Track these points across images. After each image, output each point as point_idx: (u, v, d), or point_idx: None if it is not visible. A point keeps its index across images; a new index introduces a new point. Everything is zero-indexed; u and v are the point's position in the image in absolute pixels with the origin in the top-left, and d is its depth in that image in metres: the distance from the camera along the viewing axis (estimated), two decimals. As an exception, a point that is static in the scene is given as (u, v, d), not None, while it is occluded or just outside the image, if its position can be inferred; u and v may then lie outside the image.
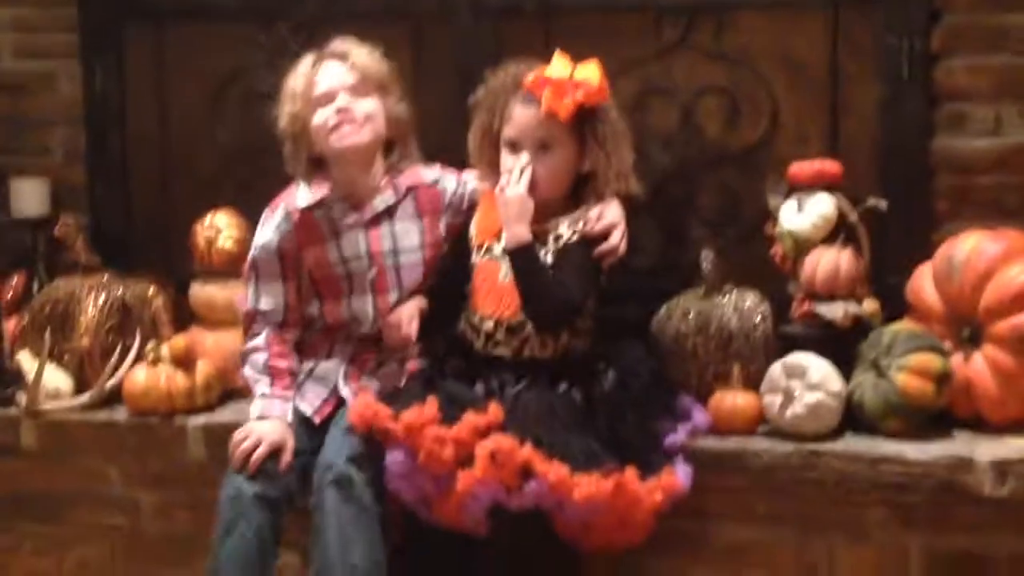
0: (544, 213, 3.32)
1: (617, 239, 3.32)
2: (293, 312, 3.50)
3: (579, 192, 3.40)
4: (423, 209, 3.54)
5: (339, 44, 3.48)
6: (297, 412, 3.39)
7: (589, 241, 3.31)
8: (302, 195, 3.50)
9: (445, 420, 3.12)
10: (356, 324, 3.50)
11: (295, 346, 3.51)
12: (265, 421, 3.34)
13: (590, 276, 3.31)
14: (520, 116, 3.34)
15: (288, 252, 3.49)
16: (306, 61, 3.47)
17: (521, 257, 3.27)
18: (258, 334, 3.47)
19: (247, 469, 3.26)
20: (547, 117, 3.31)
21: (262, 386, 3.41)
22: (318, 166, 3.50)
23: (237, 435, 3.31)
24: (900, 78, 3.56)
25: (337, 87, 3.42)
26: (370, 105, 3.44)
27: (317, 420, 3.39)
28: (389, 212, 3.51)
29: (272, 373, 3.43)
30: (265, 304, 3.49)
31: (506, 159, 3.35)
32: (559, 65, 3.36)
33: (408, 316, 3.45)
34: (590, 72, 3.35)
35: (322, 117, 3.42)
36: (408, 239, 3.51)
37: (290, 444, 3.32)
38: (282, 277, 3.49)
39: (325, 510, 3.18)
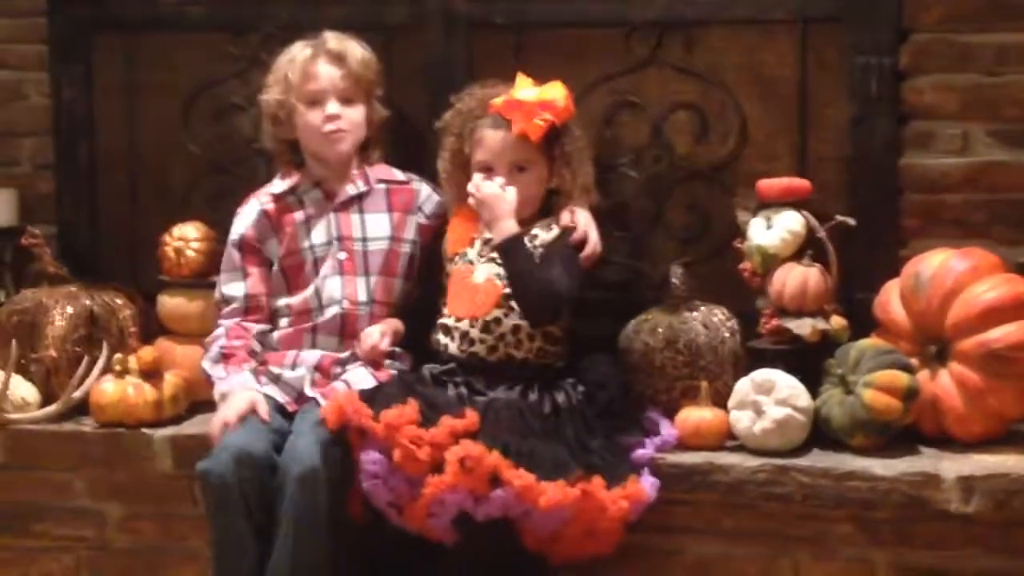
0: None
1: (595, 239, 3.42)
2: (254, 299, 3.56)
3: (545, 207, 3.48)
4: (394, 204, 3.62)
5: (336, 42, 3.56)
6: (270, 399, 3.38)
7: (569, 241, 3.38)
8: (276, 184, 3.62)
9: (423, 423, 3.13)
10: (322, 312, 3.53)
11: (263, 342, 3.55)
12: (228, 398, 3.36)
13: (574, 269, 3.36)
14: (491, 139, 3.41)
15: (252, 243, 3.58)
16: (304, 51, 3.55)
17: (511, 248, 3.34)
18: (219, 326, 3.54)
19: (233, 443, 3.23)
20: (518, 139, 3.36)
21: (218, 371, 3.46)
22: (293, 148, 3.61)
23: (212, 427, 3.32)
24: (868, 96, 3.57)
25: (330, 91, 3.53)
26: (357, 114, 3.56)
27: (290, 409, 3.40)
28: (359, 200, 3.59)
29: (225, 355, 3.47)
30: (229, 292, 3.57)
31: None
32: (525, 87, 3.40)
33: (381, 331, 3.48)
34: (556, 92, 3.41)
35: (310, 117, 3.53)
36: (376, 229, 3.59)
37: (260, 401, 3.33)
38: (243, 267, 3.58)
39: (285, 502, 3.16)
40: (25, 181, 4.13)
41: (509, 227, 3.35)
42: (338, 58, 3.54)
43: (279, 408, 3.39)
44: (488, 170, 3.42)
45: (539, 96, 3.41)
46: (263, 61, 3.76)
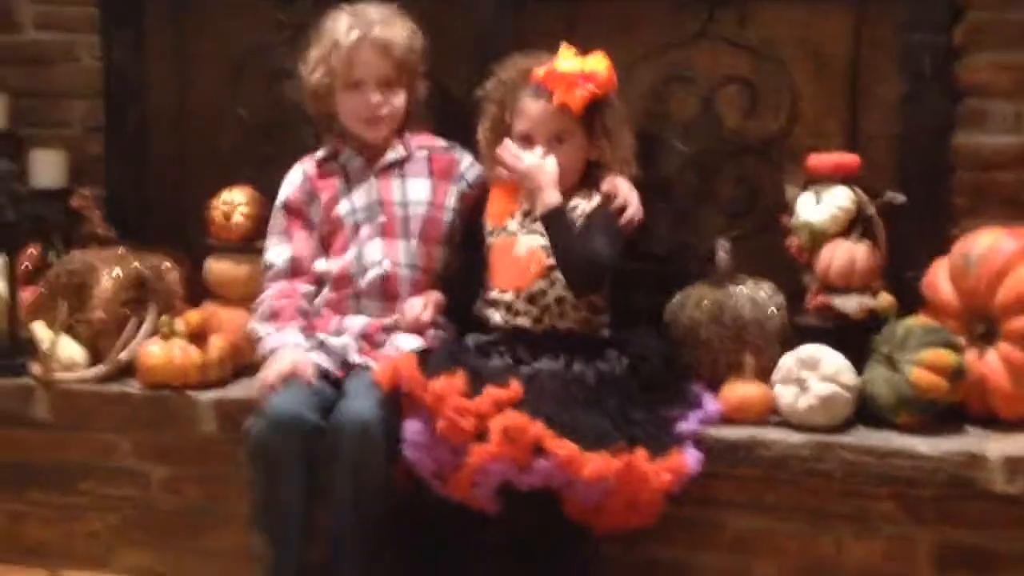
0: None
1: (636, 205, 3.42)
2: (299, 263, 3.57)
3: (585, 178, 3.48)
4: (435, 170, 3.62)
5: (382, 29, 3.53)
6: (316, 365, 3.38)
7: (610, 212, 3.39)
8: (319, 151, 3.63)
9: (467, 393, 3.13)
10: (364, 276, 3.53)
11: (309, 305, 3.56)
12: (274, 355, 3.37)
13: (616, 238, 3.36)
14: (532, 109, 3.41)
15: (297, 206, 3.59)
16: (349, 34, 3.52)
17: (554, 218, 3.35)
18: (268, 287, 3.55)
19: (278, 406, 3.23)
20: (559, 110, 3.37)
21: (266, 328, 3.47)
22: (334, 119, 3.62)
23: (258, 383, 3.33)
24: (922, 73, 3.55)
25: (372, 78, 3.52)
26: (398, 99, 3.56)
27: (334, 375, 3.39)
28: (400, 165, 3.60)
29: (272, 313, 3.48)
30: (274, 255, 3.58)
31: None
32: (568, 58, 3.39)
33: (423, 303, 3.49)
34: (599, 64, 3.41)
35: (349, 103, 3.55)
36: (417, 193, 3.59)
37: (306, 361, 3.33)
38: (288, 231, 3.59)
39: (342, 460, 3.17)
40: (75, 143, 4.14)
41: (552, 197, 3.35)
42: (383, 47, 3.52)
43: (324, 374, 3.38)
44: (528, 140, 3.42)
45: (581, 67, 3.40)
46: (311, 28, 3.76)
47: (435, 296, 3.54)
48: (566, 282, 3.35)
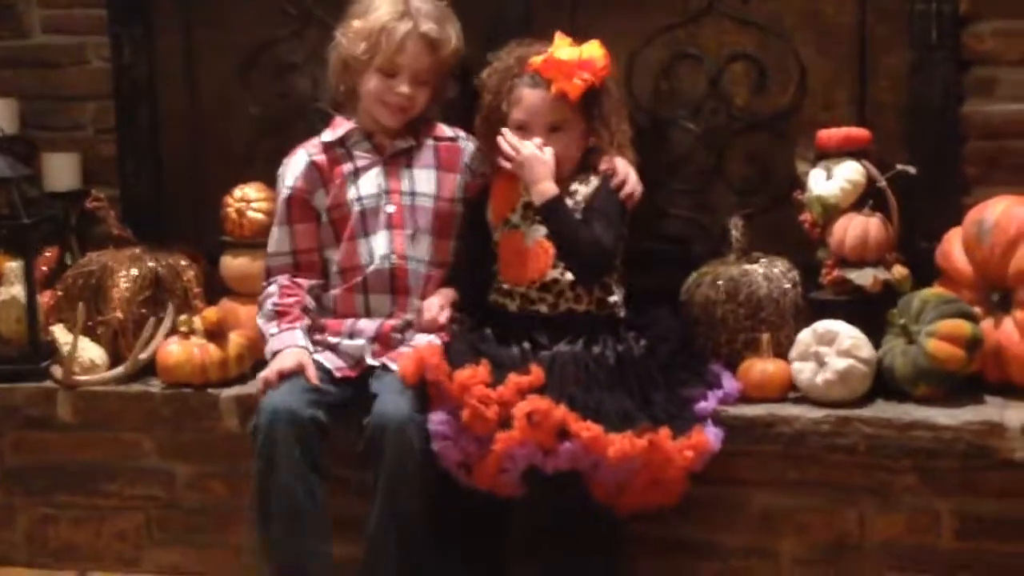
0: (557, 185, 3.39)
1: (635, 180, 3.43)
2: (305, 255, 3.56)
3: (581, 164, 3.48)
4: (441, 161, 3.60)
5: (432, 26, 3.49)
6: (320, 365, 3.40)
7: (608, 191, 3.39)
8: (326, 134, 3.61)
9: (491, 383, 3.15)
10: (370, 265, 3.51)
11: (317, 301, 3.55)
12: (278, 355, 3.38)
13: (617, 221, 3.38)
14: (529, 98, 3.41)
15: (302, 195, 3.56)
16: (404, 24, 3.48)
17: (552, 210, 3.36)
18: (271, 283, 3.54)
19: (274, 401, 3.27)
20: (557, 99, 3.36)
21: (271, 327, 3.46)
22: (352, 95, 3.60)
23: (259, 381, 3.36)
24: (929, 43, 3.53)
25: (409, 70, 3.50)
26: (423, 95, 3.54)
27: (338, 375, 3.41)
28: (408, 155, 3.58)
29: (278, 312, 3.47)
30: (279, 247, 3.57)
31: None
32: (565, 46, 3.38)
33: (439, 305, 3.48)
34: (595, 51, 3.40)
35: (378, 83, 3.51)
36: (424, 185, 3.57)
37: (308, 363, 3.35)
38: (293, 222, 3.56)
39: (381, 463, 3.19)
40: (88, 145, 4.16)
41: (548, 188, 3.36)
42: (432, 45, 3.49)
43: (329, 373, 3.40)
44: (524, 129, 3.42)
45: (579, 55, 3.39)
46: (318, 19, 3.76)
47: (450, 295, 3.53)
48: (572, 272, 3.35)
